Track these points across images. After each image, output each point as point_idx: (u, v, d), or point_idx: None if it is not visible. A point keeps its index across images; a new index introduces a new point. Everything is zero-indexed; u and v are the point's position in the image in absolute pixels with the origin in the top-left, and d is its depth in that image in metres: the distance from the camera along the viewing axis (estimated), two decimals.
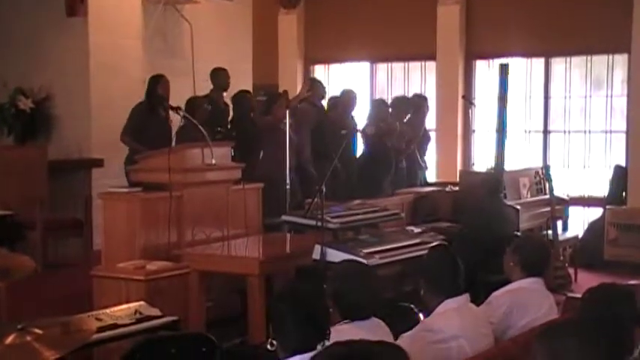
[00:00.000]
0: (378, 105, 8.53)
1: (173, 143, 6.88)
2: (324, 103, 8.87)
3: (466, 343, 3.53)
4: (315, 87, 8.55)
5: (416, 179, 8.68)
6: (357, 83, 11.34)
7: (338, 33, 11.19)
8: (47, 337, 3.38)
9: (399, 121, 8.42)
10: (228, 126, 8.11)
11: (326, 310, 2.96)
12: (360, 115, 8.68)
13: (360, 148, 8.65)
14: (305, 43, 11.59)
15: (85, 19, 8.07)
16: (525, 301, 4.05)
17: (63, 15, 8.04)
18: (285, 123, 7.33)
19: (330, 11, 11.27)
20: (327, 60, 11.64)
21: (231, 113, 8.32)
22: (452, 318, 3.57)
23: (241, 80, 9.35)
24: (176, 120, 7.55)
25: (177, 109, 6.89)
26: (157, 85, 7.44)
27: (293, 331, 2.81)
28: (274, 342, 2.83)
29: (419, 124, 8.80)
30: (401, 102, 8.87)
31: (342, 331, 3.12)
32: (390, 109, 8.62)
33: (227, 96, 8.41)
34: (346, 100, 8.57)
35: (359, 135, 8.50)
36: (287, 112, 7.39)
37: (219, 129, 7.82)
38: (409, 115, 8.74)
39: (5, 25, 8.34)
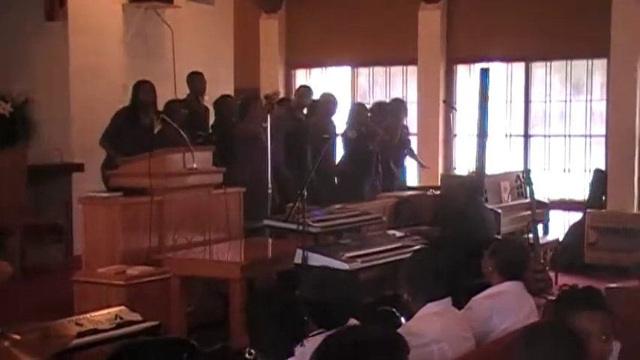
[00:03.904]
0: (357, 109, 8.53)
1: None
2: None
3: (447, 347, 3.52)
4: (301, 95, 8.62)
5: (395, 183, 8.68)
6: (338, 88, 11.36)
7: (319, 37, 11.20)
8: (26, 343, 3.36)
9: (379, 125, 8.43)
10: (210, 130, 8.10)
11: (302, 314, 2.93)
12: (340, 120, 8.69)
13: (339, 153, 8.64)
14: (286, 48, 11.60)
15: (64, 23, 8.03)
16: (505, 305, 4.05)
17: (42, 19, 8.01)
18: (264, 127, 7.32)
19: (311, 16, 11.28)
20: (309, 64, 11.64)
21: (211, 117, 8.31)
22: (433, 322, 3.56)
23: (223, 85, 9.34)
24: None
25: (158, 114, 6.88)
26: (138, 90, 7.37)
27: (269, 337, 2.78)
28: (252, 351, 2.81)
29: (394, 128, 8.82)
30: (380, 107, 8.90)
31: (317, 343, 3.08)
32: (370, 114, 8.63)
33: (209, 100, 8.40)
34: (325, 103, 8.58)
35: (339, 139, 8.50)
36: (265, 115, 7.38)
37: (200, 133, 7.80)
38: (387, 120, 8.77)
39: None
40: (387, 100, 9.65)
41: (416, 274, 3.68)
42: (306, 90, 9.06)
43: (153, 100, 7.36)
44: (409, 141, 9.43)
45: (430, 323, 3.54)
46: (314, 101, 8.96)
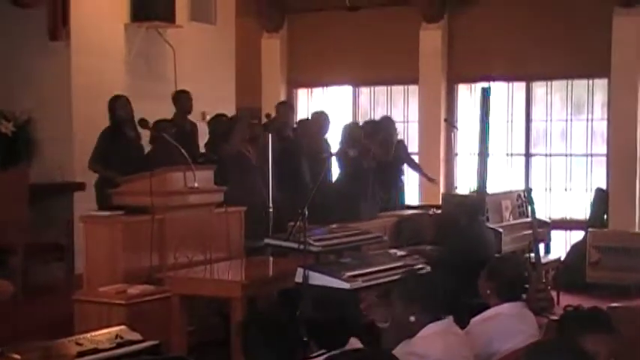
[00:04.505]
0: (350, 128, 8.48)
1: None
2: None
3: None
4: (281, 113, 8.53)
5: (390, 202, 8.62)
6: (339, 107, 11.39)
7: (321, 57, 11.24)
8: None
9: (371, 143, 8.39)
10: (203, 149, 8.08)
11: (298, 335, 2.92)
12: (333, 139, 8.65)
13: (334, 172, 8.57)
14: (288, 67, 11.64)
15: (67, 42, 8.06)
16: (505, 328, 3.99)
17: (45, 39, 8.03)
18: (248, 147, 7.35)
19: (313, 35, 11.33)
20: (310, 84, 11.68)
21: (202, 135, 8.32)
22: (435, 341, 3.54)
23: (224, 104, 9.37)
24: (144, 140, 7.57)
25: (149, 128, 6.92)
26: (115, 107, 7.41)
27: (261, 358, 2.78)
28: None
29: (388, 144, 8.80)
30: (371, 125, 8.86)
31: None
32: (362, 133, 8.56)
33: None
34: (316, 122, 8.56)
35: (333, 158, 8.44)
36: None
37: (202, 152, 7.82)
38: (380, 136, 8.74)
39: None
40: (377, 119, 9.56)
41: (413, 294, 3.66)
42: (285, 107, 8.91)
43: (130, 113, 7.41)
44: (408, 157, 9.34)
45: (433, 343, 3.53)
46: (305, 120, 8.92)
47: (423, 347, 3.49)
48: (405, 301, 3.64)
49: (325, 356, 3.19)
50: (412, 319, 3.59)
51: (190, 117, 8.38)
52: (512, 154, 10.55)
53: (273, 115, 8.60)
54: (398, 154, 8.86)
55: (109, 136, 7.37)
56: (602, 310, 3.13)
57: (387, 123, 8.93)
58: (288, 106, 9.00)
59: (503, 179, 10.14)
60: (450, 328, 3.65)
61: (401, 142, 9.24)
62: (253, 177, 7.43)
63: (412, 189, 10.36)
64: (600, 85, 9.98)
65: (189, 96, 8.22)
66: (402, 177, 9.13)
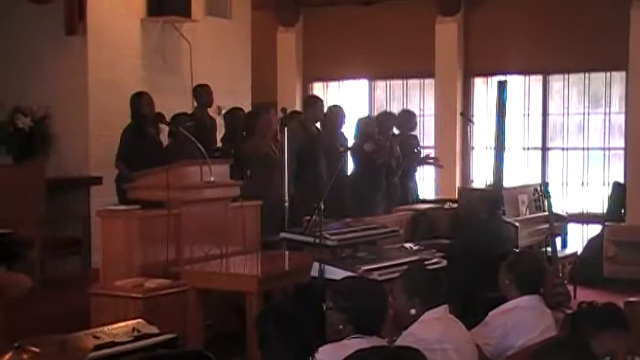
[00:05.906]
0: (365, 122, 8.44)
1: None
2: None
3: (451, 347, 3.56)
4: (310, 108, 8.36)
5: (408, 196, 8.61)
6: (355, 101, 11.38)
7: (336, 51, 11.22)
8: (44, 356, 3.37)
9: (385, 136, 8.35)
10: (220, 143, 8.10)
11: (311, 328, 2.94)
12: (348, 133, 8.62)
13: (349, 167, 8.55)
14: (304, 61, 11.63)
15: (83, 37, 8.09)
16: (522, 321, 4.02)
17: (62, 33, 8.07)
18: (277, 141, 7.33)
19: (328, 29, 11.31)
20: (326, 78, 11.67)
21: (219, 129, 8.33)
22: (434, 326, 3.63)
23: (240, 98, 9.38)
24: (164, 136, 7.59)
25: (167, 123, 6.94)
26: (139, 104, 7.44)
27: (278, 351, 2.80)
28: None
29: (407, 139, 8.76)
30: (386, 117, 8.81)
31: (349, 347, 3.10)
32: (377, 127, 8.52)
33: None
34: (332, 116, 8.51)
35: (348, 153, 8.41)
36: (276, 130, 7.38)
37: (217, 147, 7.84)
38: (396, 131, 8.70)
39: (4, 43, 8.37)
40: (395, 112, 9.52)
41: (414, 288, 3.71)
42: (317, 101, 8.63)
43: (153, 110, 7.44)
44: (420, 152, 9.31)
45: (432, 328, 3.63)
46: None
47: (423, 331, 3.57)
48: (407, 294, 3.70)
49: (353, 339, 3.25)
50: (413, 312, 3.67)
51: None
52: (528, 148, 10.50)
53: (289, 109, 8.55)
54: (411, 148, 8.85)
55: (132, 133, 7.40)
56: (616, 307, 3.10)
57: (404, 117, 8.90)
58: (320, 102, 8.75)
59: (519, 173, 10.10)
60: (446, 315, 3.74)
61: (414, 136, 9.21)
62: (276, 172, 7.43)
63: (428, 183, 10.35)
64: (618, 78, 9.91)
65: (209, 90, 8.25)
66: (416, 171, 9.11)
